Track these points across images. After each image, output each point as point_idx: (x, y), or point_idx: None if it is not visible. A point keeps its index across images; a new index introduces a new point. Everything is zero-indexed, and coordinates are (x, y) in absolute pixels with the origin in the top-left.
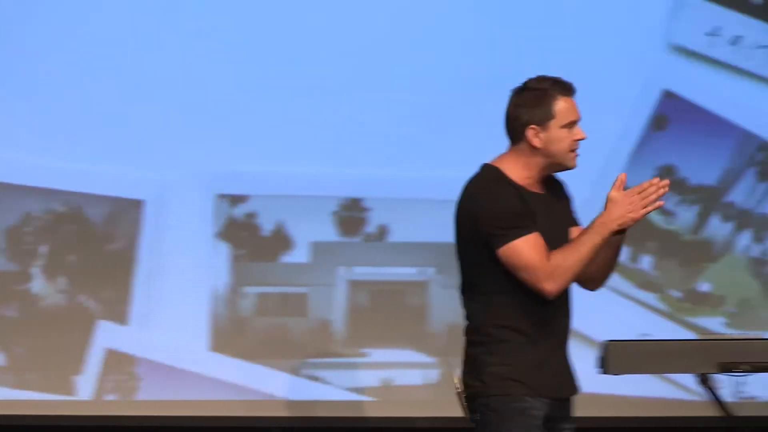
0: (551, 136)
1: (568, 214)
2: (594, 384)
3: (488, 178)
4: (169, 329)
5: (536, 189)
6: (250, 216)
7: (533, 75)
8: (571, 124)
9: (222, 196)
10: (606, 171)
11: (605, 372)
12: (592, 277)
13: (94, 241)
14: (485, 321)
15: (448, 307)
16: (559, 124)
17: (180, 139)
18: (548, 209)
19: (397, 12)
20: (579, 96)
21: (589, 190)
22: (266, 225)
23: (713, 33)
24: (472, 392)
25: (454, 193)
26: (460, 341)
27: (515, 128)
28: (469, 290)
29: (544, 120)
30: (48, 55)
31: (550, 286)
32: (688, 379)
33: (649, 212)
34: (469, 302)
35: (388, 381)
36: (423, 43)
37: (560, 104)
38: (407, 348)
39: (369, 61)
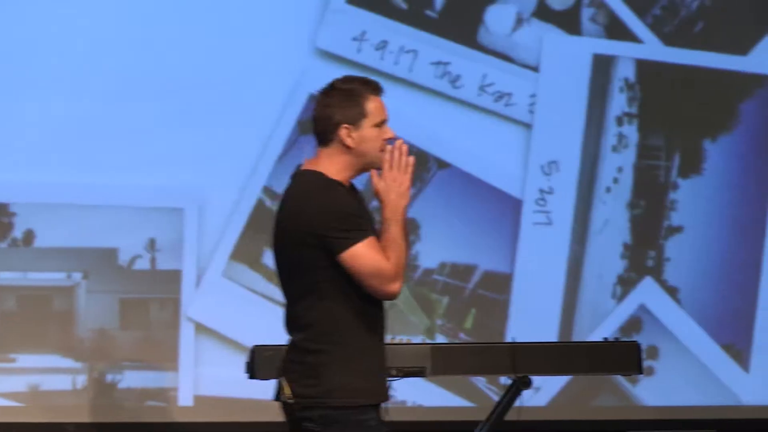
0: (363, 135)
1: None
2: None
3: (318, 184)
4: None
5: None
6: None
7: (180, 79)
8: (381, 123)
9: None
10: (255, 174)
11: (252, 377)
12: None
13: None
14: (328, 327)
15: (94, 312)
16: (371, 123)
17: None
18: None
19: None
20: (228, 100)
21: (240, 194)
22: None
23: (359, 38)
24: (309, 403)
25: (101, 198)
26: (106, 346)
27: (326, 128)
28: (305, 297)
29: (356, 119)
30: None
31: (396, 287)
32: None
33: (412, 173)
34: (306, 310)
35: (35, 386)
36: (68, 47)
37: (371, 103)
38: (55, 353)
39: (24, 63)
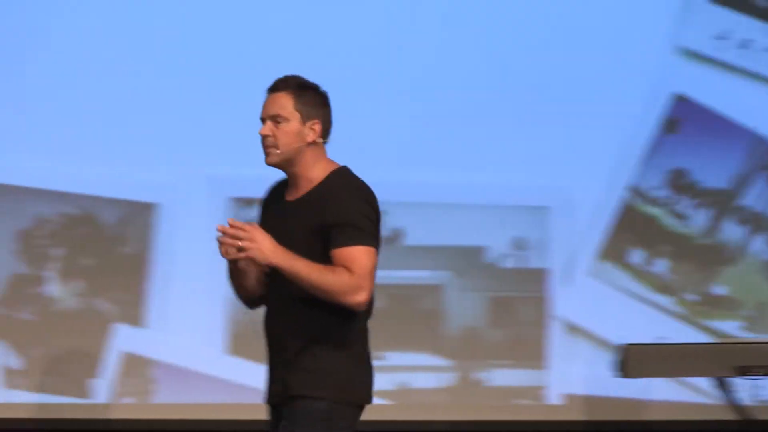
0: None
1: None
2: (610, 388)
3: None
4: (185, 332)
5: None
6: None
7: (540, 78)
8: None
9: (234, 199)
10: (618, 173)
11: (624, 376)
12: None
13: (106, 244)
14: (335, 321)
15: (461, 311)
16: None
17: (191, 142)
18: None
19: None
20: (588, 99)
21: (605, 193)
22: None
23: (722, 36)
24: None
25: (468, 197)
26: (474, 344)
27: None
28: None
29: None
30: (60, 57)
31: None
32: (706, 383)
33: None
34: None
35: (402, 384)
36: (427, 45)
37: None
38: (421, 351)
39: (378, 64)
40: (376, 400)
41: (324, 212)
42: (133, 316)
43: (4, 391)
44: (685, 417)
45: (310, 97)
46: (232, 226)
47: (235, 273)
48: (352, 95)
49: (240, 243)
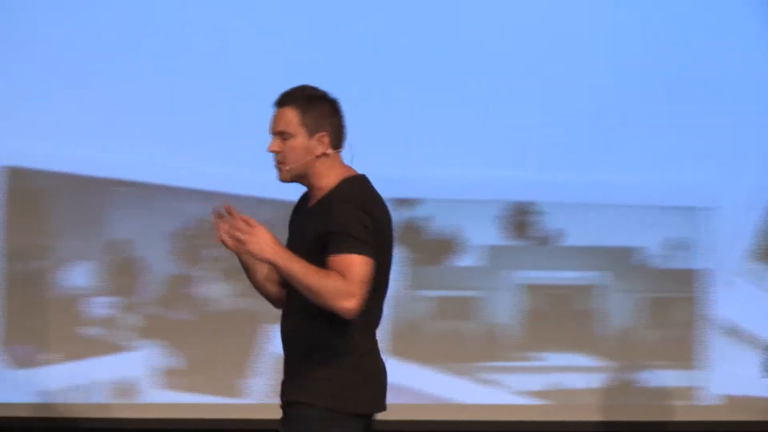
0: None
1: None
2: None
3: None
4: None
5: None
6: (422, 219)
7: (692, 78)
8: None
9: (389, 200)
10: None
11: None
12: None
13: None
14: (336, 330)
15: (616, 311)
16: None
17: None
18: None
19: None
20: (739, 98)
21: (755, 193)
22: (438, 228)
23: None
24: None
25: (620, 197)
26: (628, 345)
27: None
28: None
29: None
30: (203, 66)
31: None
32: None
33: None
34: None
35: (557, 384)
36: (596, 47)
37: None
38: (576, 352)
39: (542, 65)
40: (530, 400)
41: (327, 220)
42: None
43: (163, 391)
44: None
45: (317, 109)
46: (231, 215)
47: (244, 268)
48: (507, 98)
49: (239, 235)
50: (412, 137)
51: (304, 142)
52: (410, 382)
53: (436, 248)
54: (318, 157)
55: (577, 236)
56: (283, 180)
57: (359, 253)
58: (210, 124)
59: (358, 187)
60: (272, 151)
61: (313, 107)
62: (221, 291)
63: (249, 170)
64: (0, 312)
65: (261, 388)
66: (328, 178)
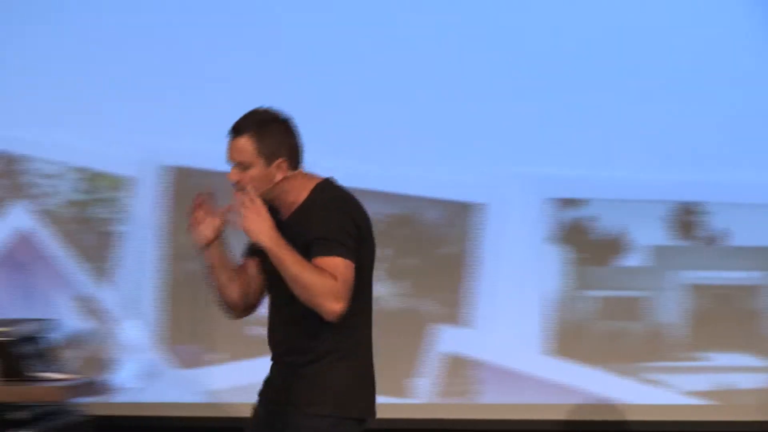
0: None
1: None
2: None
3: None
4: (507, 333)
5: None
6: (586, 220)
7: None
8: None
9: (555, 200)
10: None
11: None
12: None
13: (429, 245)
14: (347, 333)
15: None
16: None
17: (508, 143)
18: None
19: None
20: None
21: None
22: (602, 229)
23: None
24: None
25: None
26: None
27: None
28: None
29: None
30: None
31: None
32: None
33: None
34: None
35: (723, 384)
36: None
37: None
38: (742, 352)
39: (711, 64)
40: (696, 401)
41: (308, 229)
42: (453, 316)
43: None
44: None
45: (271, 134)
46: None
47: (209, 267)
48: (675, 99)
49: (244, 209)
50: (579, 138)
51: (262, 171)
52: (576, 382)
53: (602, 248)
54: (279, 181)
55: (743, 236)
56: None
57: (344, 256)
58: (366, 125)
59: (333, 192)
60: (232, 180)
61: (268, 133)
62: (387, 291)
63: (423, 170)
64: (167, 312)
65: (426, 388)
66: (297, 192)
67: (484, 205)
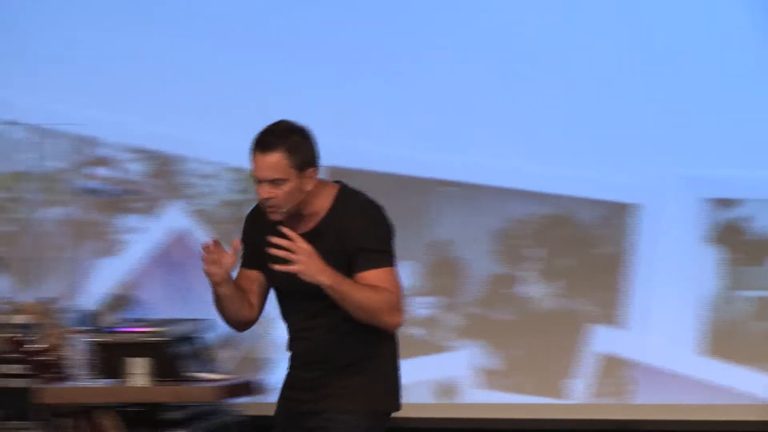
0: None
1: None
2: None
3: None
4: (662, 333)
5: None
6: (741, 220)
7: None
8: (256, 180)
9: (710, 200)
10: None
11: None
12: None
13: (584, 245)
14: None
15: None
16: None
17: (664, 144)
18: None
19: None
20: None
21: None
22: (758, 229)
23: None
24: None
25: None
26: None
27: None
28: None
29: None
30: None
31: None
32: None
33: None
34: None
35: None
36: None
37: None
38: None
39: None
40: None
41: (345, 239)
42: (610, 316)
43: (484, 391)
44: None
45: (301, 145)
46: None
47: (220, 299)
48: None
49: (292, 256)
50: (734, 138)
51: (296, 184)
52: (731, 382)
53: (757, 249)
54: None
55: None
56: (277, 220)
57: (392, 265)
58: (553, 126)
59: (360, 197)
60: (265, 198)
61: (298, 145)
62: (541, 291)
63: (578, 171)
64: None
65: (581, 389)
66: (317, 202)
67: (639, 205)
